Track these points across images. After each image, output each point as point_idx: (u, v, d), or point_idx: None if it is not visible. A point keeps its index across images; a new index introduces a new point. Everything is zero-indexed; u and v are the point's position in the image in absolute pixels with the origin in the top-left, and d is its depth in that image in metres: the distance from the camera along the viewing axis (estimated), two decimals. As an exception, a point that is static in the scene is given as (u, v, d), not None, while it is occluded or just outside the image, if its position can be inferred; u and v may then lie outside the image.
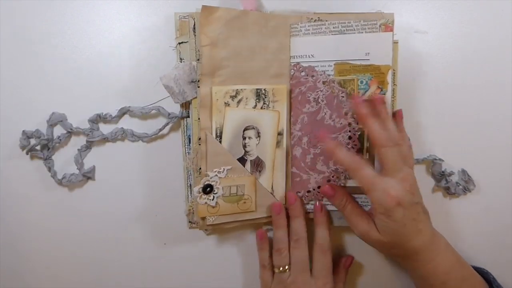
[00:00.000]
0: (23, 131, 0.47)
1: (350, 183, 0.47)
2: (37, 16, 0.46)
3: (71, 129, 0.48)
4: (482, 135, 0.51)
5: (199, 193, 0.44)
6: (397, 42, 0.46)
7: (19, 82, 0.47)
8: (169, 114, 0.48)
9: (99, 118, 0.47)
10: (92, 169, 0.49)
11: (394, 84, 0.46)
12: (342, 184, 0.48)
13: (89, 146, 0.48)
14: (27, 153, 0.47)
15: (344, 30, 0.46)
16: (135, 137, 0.48)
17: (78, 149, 0.48)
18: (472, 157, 0.51)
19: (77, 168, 0.48)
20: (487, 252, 0.50)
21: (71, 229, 0.49)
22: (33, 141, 0.47)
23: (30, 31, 0.46)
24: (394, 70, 0.46)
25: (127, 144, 0.49)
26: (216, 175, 0.45)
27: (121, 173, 0.49)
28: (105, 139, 0.48)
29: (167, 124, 0.48)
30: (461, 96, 0.50)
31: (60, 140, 0.47)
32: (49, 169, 0.47)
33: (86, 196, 0.49)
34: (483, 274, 0.46)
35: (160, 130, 0.48)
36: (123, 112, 0.48)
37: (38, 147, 0.47)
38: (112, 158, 0.49)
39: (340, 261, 0.50)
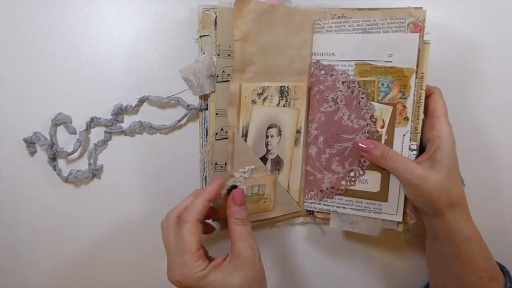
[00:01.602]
0: (24, 139, 0.45)
1: (359, 187, 0.47)
2: (37, 16, 0.45)
3: (73, 132, 0.46)
4: (481, 135, 0.52)
5: (225, 194, 0.43)
6: (429, 43, 0.44)
7: (20, 82, 0.45)
8: (188, 105, 0.47)
9: (120, 110, 0.46)
10: (100, 168, 0.48)
11: (422, 89, 0.45)
12: (351, 186, 0.47)
13: (108, 138, 0.47)
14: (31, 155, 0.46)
15: (368, 29, 0.45)
16: (153, 129, 0.47)
17: (95, 144, 0.47)
18: (470, 158, 0.51)
19: (88, 163, 0.47)
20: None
21: (71, 228, 0.48)
22: (42, 141, 0.45)
23: (30, 32, 0.45)
24: (423, 73, 0.45)
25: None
26: (242, 176, 0.44)
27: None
28: (123, 132, 0.47)
29: (185, 115, 0.47)
30: (460, 96, 0.51)
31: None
32: (54, 167, 0.46)
33: (93, 193, 0.48)
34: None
35: (179, 121, 0.47)
36: (142, 101, 0.47)
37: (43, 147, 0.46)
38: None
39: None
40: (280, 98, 0.46)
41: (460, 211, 0.43)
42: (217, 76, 0.44)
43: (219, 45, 0.43)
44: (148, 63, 0.47)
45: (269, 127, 0.46)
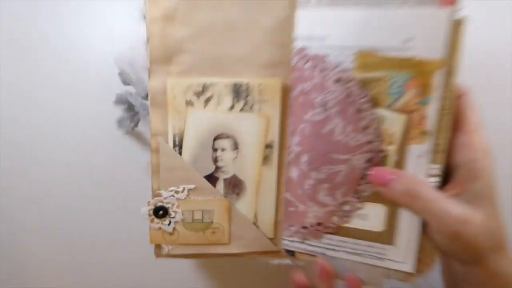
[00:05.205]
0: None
1: (356, 224, 0.35)
2: (36, 16, 0.45)
3: None
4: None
5: (150, 215, 0.34)
6: (463, 23, 0.29)
7: (20, 82, 0.46)
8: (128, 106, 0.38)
9: None
10: None
11: (450, 91, 0.30)
12: (345, 223, 0.35)
13: None
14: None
15: (376, 1, 0.31)
16: None
17: None
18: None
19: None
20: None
21: (71, 229, 0.49)
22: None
23: (30, 31, 0.45)
24: (453, 67, 0.30)
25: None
26: (173, 196, 0.34)
27: (121, 171, 0.48)
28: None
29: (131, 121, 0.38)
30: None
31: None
32: None
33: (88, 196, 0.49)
34: None
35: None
36: None
37: None
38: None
39: None
40: (235, 99, 0.33)
41: (504, 255, 0.32)
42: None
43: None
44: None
45: (216, 138, 0.34)
